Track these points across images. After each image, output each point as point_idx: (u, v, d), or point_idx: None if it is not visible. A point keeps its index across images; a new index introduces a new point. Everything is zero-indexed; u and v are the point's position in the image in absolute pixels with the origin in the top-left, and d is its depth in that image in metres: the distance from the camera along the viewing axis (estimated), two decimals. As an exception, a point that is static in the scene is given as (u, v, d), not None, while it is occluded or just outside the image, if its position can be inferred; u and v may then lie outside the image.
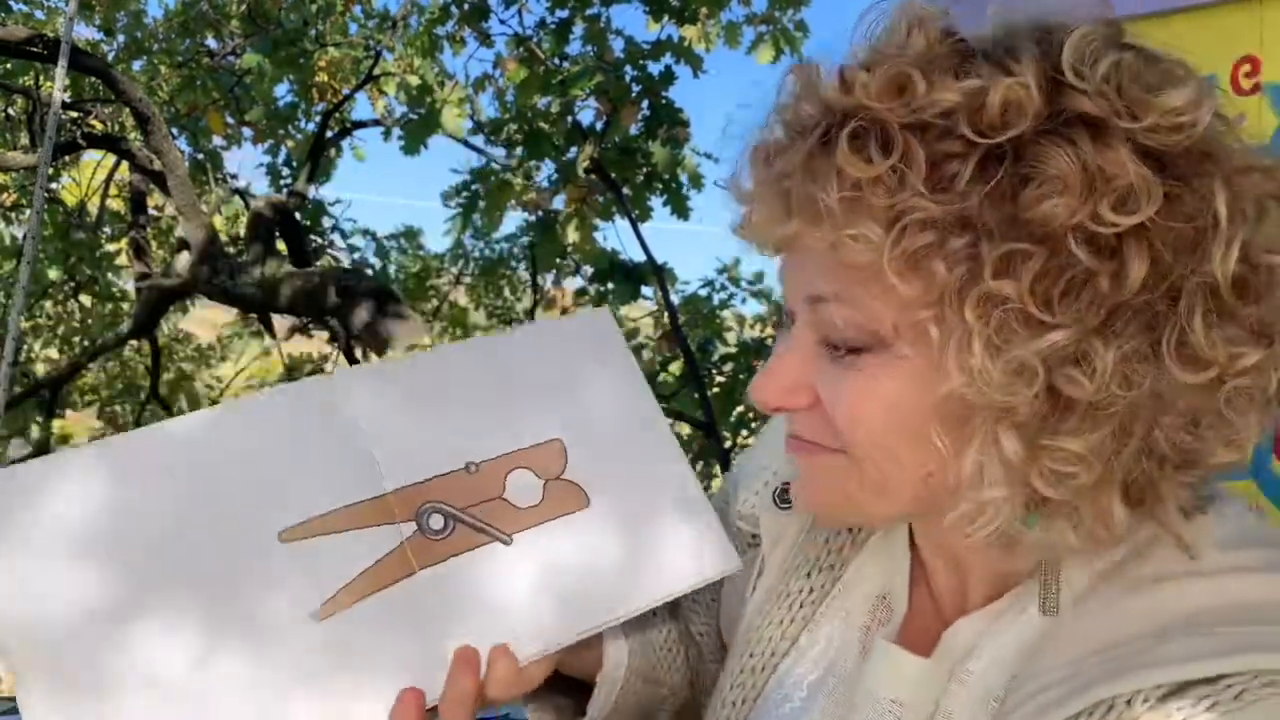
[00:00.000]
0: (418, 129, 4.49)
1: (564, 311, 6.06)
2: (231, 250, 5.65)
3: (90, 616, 0.62)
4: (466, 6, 4.52)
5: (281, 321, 6.59)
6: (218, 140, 6.04)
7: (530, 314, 6.92)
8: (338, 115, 5.88)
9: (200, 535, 0.66)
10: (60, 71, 2.32)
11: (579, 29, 4.34)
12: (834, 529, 0.78)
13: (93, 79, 5.17)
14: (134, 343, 6.95)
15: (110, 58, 5.69)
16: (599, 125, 4.37)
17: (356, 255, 6.93)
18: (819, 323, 0.61)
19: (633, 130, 4.27)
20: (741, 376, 5.21)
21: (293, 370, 7.24)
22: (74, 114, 5.42)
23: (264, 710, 0.64)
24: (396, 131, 5.20)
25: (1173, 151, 0.53)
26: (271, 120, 5.75)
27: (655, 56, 4.20)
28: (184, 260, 5.12)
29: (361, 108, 7.58)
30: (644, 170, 4.34)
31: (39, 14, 5.89)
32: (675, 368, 5.96)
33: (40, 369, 7.51)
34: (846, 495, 0.65)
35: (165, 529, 0.65)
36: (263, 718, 0.63)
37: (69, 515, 0.64)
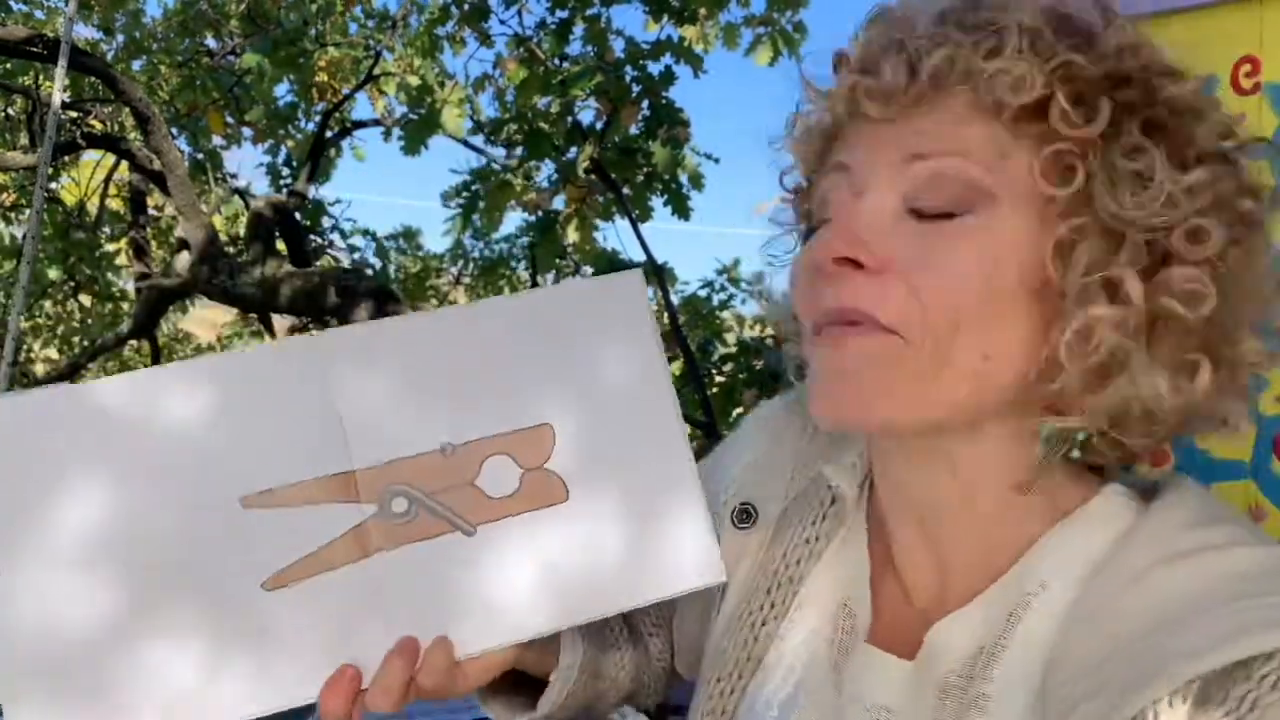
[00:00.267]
0: (418, 129, 4.49)
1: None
2: (231, 250, 5.65)
3: (51, 555, 0.63)
4: (467, 7, 4.51)
5: (281, 321, 6.58)
6: (218, 140, 6.03)
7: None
8: (338, 115, 5.88)
9: (166, 488, 0.65)
10: (60, 71, 2.32)
11: (579, 29, 4.34)
12: (791, 542, 0.78)
13: (92, 79, 5.16)
14: (134, 343, 6.96)
15: (110, 57, 5.69)
16: (599, 125, 4.36)
17: (356, 255, 6.93)
18: (917, 182, 0.63)
19: (633, 130, 4.26)
20: (741, 376, 5.20)
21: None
22: (74, 114, 5.41)
23: (200, 668, 0.64)
24: (396, 131, 5.19)
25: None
26: (271, 120, 5.74)
27: (655, 57, 4.19)
28: (184, 260, 5.12)
29: (361, 108, 7.58)
30: (644, 170, 4.33)
31: (39, 14, 5.89)
32: (675, 368, 5.95)
33: (40, 369, 7.51)
34: (889, 388, 0.62)
35: (132, 476, 0.65)
36: (198, 675, 0.64)
37: (40, 455, 0.64)
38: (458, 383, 0.70)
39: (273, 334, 6.90)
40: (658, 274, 4.65)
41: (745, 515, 0.81)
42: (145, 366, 0.86)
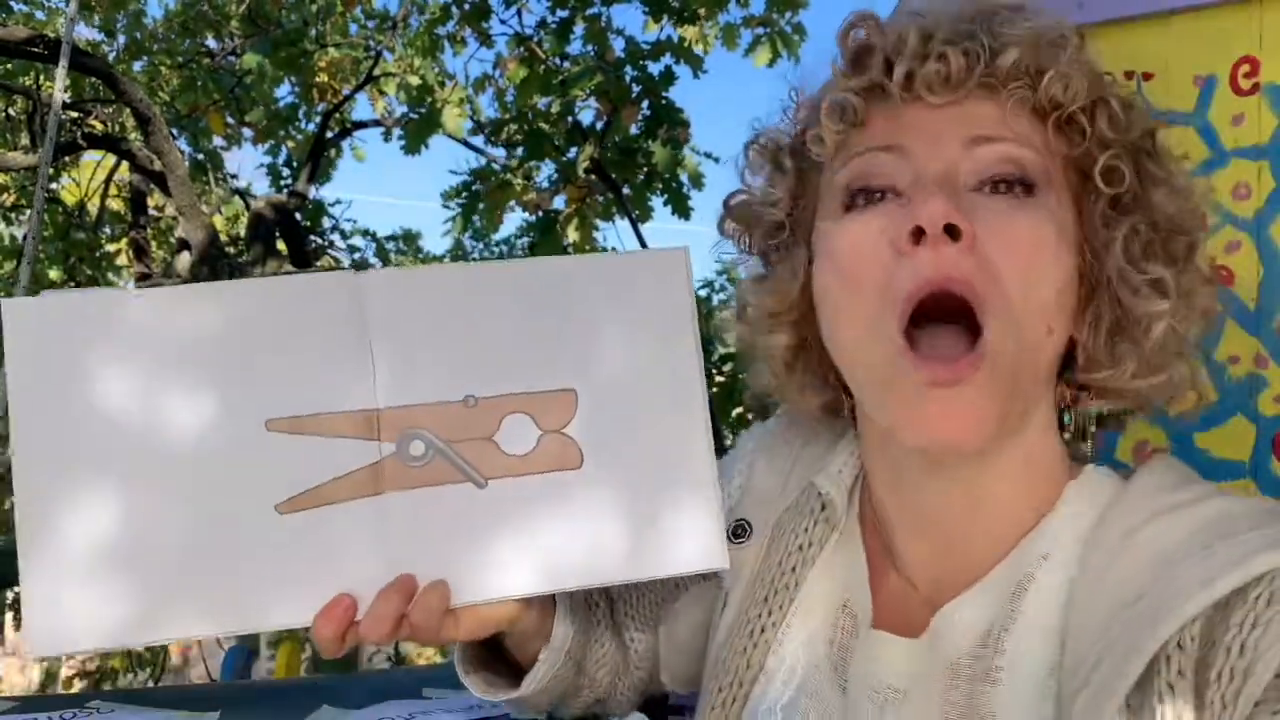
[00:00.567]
0: (418, 129, 4.49)
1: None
2: (232, 250, 5.65)
3: (72, 452, 0.66)
4: (467, 6, 4.52)
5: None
6: (218, 141, 6.03)
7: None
8: (338, 116, 5.88)
9: (194, 400, 0.67)
10: (60, 72, 2.32)
11: (579, 29, 4.33)
12: (785, 549, 0.79)
13: (93, 79, 5.16)
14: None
15: (110, 58, 5.69)
16: (599, 125, 4.36)
17: (356, 255, 6.93)
18: (987, 160, 0.66)
19: (633, 130, 4.26)
20: (741, 376, 5.22)
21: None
22: (74, 114, 5.41)
23: (203, 576, 0.66)
24: (397, 132, 5.20)
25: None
26: (272, 121, 5.74)
27: (655, 57, 4.19)
28: (184, 260, 5.11)
29: (362, 108, 7.58)
30: (644, 170, 4.33)
31: (39, 14, 5.89)
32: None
33: (40, 369, 7.49)
34: (996, 409, 0.64)
35: (161, 385, 0.67)
36: (198, 582, 0.66)
37: (71, 354, 0.67)
38: (490, 337, 0.71)
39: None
40: (658, 274, 4.63)
41: (740, 531, 0.84)
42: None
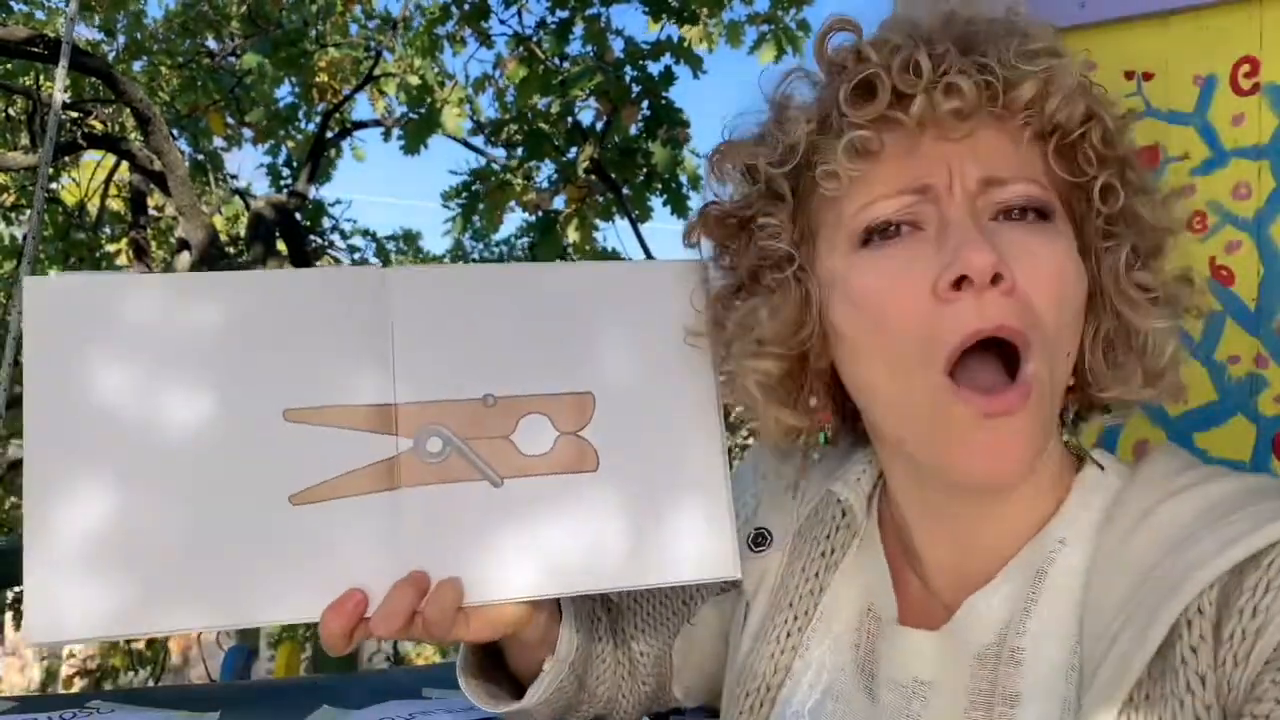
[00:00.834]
0: (418, 129, 4.49)
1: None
2: (232, 250, 5.65)
3: (88, 436, 0.65)
4: (467, 6, 4.52)
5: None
6: (218, 141, 6.03)
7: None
8: (338, 116, 5.88)
9: (214, 387, 0.67)
10: (61, 72, 2.32)
11: (579, 29, 4.33)
12: (808, 555, 0.80)
13: (93, 79, 5.16)
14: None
15: (111, 58, 5.69)
16: (599, 125, 4.37)
17: (356, 255, 6.93)
18: (1004, 198, 0.67)
19: (633, 130, 4.26)
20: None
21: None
22: (74, 114, 5.41)
23: (212, 566, 0.66)
24: (397, 132, 5.20)
25: None
26: (272, 121, 5.74)
27: (655, 57, 4.19)
28: (184, 260, 5.11)
29: (362, 108, 7.57)
30: (644, 170, 4.33)
31: (39, 14, 5.89)
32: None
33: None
34: (1038, 443, 0.66)
35: (180, 370, 0.67)
36: (207, 572, 0.66)
37: (111, 332, 0.67)
38: (510, 337, 0.72)
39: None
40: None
41: (760, 539, 0.83)
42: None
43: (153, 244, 6.45)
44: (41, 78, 5.21)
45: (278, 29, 5.29)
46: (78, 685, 7.39)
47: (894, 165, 0.67)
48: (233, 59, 5.80)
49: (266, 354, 0.68)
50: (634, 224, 4.42)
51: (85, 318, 0.66)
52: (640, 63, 4.20)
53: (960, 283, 0.63)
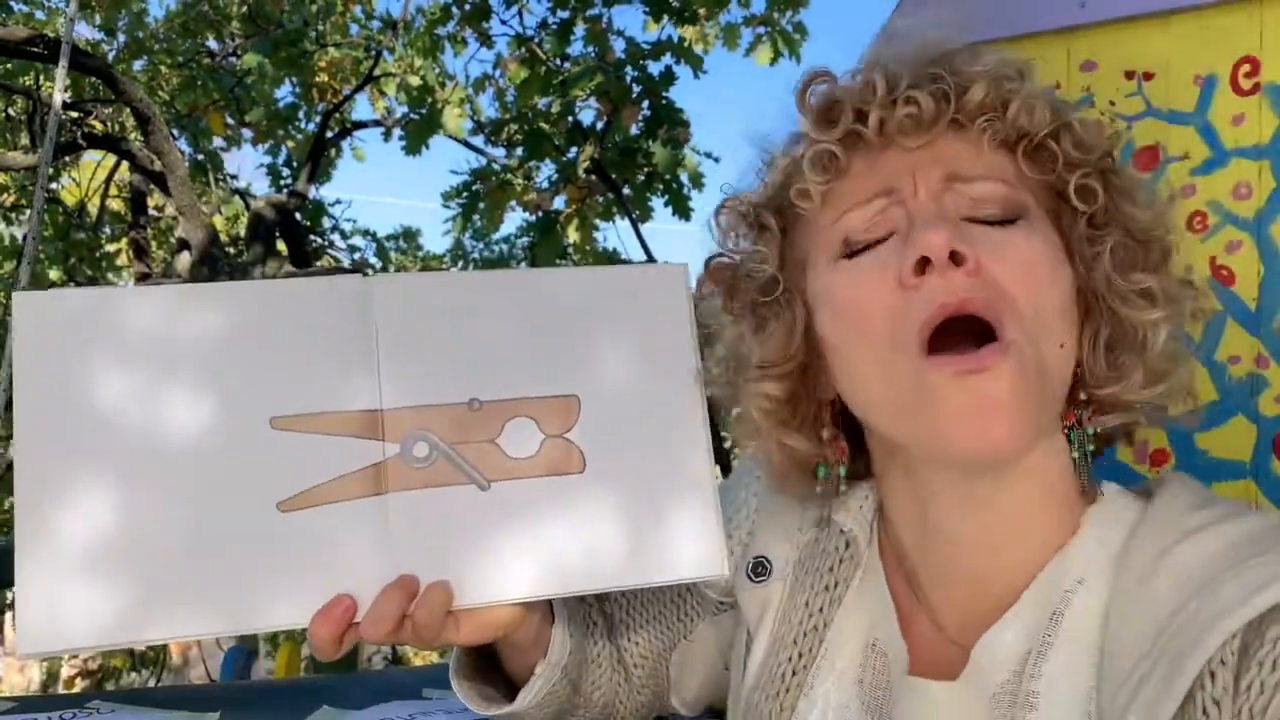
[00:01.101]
0: (418, 129, 4.49)
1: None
2: (232, 250, 5.65)
3: (78, 448, 0.66)
4: (468, 7, 4.52)
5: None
6: (218, 141, 6.03)
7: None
8: (338, 116, 5.88)
9: (201, 397, 0.68)
10: (61, 72, 2.32)
11: (580, 29, 4.33)
12: (811, 589, 0.79)
13: (93, 79, 5.16)
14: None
15: (111, 58, 5.69)
16: (599, 125, 4.37)
17: (357, 255, 6.93)
18: (968, 196, 0.69)
19: (633, 130, 4.26)
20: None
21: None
22: (74, 114, 5.41)
23: (200, 575, 0.66)
24: (397, 132, 5.20)
25: None
26: (272, 121, 5.74)
27: (655, 57, 4.19)
28: (184, 260, 5.11)
29: (362, 108, 7.58)
30: (644, 170, 4.33)
31: (39, 14, 5.89)
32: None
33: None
34: (1028, 409, 0.65)
35: (168, 381, 0.67)
36: (196, 580, 0.66)
37: (98, 345, 0.67)
38: (495, 342, 0.72)
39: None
40: (658, 274, 4.64)
41: (760, 568, 0.82)
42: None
43: (153, 244, 6.45)
44: (41, 78, 5.21)
45: (278, 29, 5.29)
46: (78, 686, 7.39)
47: (862, 179, 0.71)
48: (233, 59, 5.80)
49: (252, 363, 0.69)
50: (634, 224, 4.42)
51: (73, 331, 0.67)
52: (640, 63, 4.20)
53: (923, 266, 0.65)
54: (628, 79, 4.19)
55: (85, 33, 5.91)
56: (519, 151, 4.60)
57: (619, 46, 4.32)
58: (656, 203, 4.43)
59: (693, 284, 0.79)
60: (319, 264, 5.89)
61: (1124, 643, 0.62)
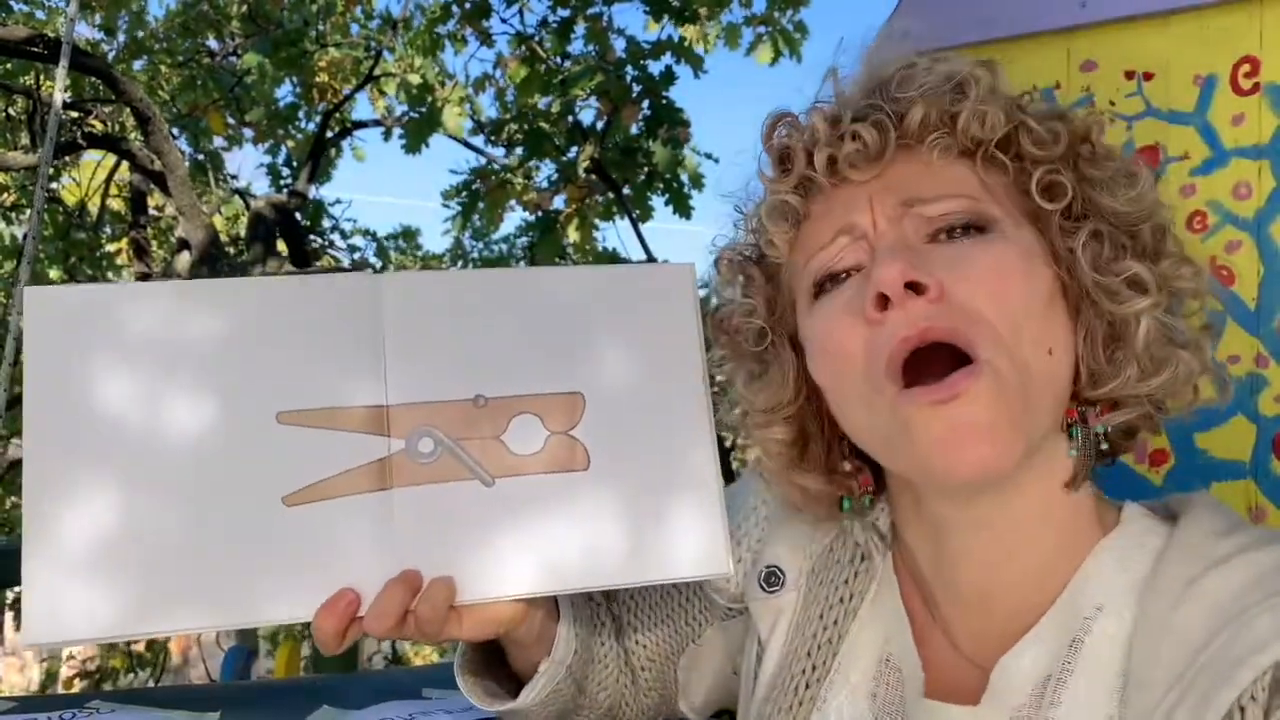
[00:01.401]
0: (418, 128, 4.49)
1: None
2: (232, 250, 5.65)
3: (85, 444, 0.66)
4: (468, 5, 4.51)
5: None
6: (219, 141, 6.03)
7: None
8: (338, 115, 5.87)
9: (207, 392, 0.68)
10: (61, 72, 2.32)
11: (580, 29, 4.33)
12: (826, 601, 0.78)
13: (93, 79, 5.16)
14: (134, 343, 6.92)
15: (111, 58, 5.69)
16: (599, 125, 4.36)
17: (356, 255, 6.93)
18: (921, 221, 0.68)
19: (633, 130, 4.26)
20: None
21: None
22: (74, 114, 5.41)
23: (205, 568, 0.66)
24: (397, 131, 5.20)
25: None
26: (272, 120, 5.74)
27: (656, 56, 4.19)
28: (184, 260, 5.11)
29: (362, 108, 7.57)
30: (644, 170, 4.33)
31: (39, 14, 5.89)
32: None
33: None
34: (1012, 423, 0.64)
35: (174, 377, 0.68)
36: (201, 573, 0.66)
37: (109, 340, 0.68)
38: (500, 340, 0.73)
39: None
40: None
41: (773, 578, 0.82)
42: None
43: (153, 244, 6.45)
44: (41, 77, 5.21)
45: (278, 29, 5.29)
46: (78, 686, 7.39)
47: (822, 220, 0.72)
48: (233, 59, 5.79)
49: (258, 358, 0.69)
50: (634, 224, 4.42)
51: (84, 327, 0.67)
52: (640, 62, 4.20)
53: (884, 302, 0.65)
54: (628, 78, 4.19)
55: (85, 32, 5.91)
56: (519, 151, 4.60)
57: (619, 46, 4.32)
58: (656, 202, 4.43)
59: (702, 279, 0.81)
60: (319, 264, 5.89)
61: (1151, 672, 0.61)
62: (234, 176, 6.73)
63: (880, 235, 0.68)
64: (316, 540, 0.68)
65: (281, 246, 5.42)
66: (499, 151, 5.03)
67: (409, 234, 7.57)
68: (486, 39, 4.71)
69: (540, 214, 4.60)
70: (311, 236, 6.18)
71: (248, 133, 6.01)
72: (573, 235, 4.64)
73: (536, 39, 4.41)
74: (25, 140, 5.51)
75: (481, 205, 4.64)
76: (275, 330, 0.70)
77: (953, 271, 0.65)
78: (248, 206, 6.11)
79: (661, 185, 4.35)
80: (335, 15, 5.57)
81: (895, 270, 0.64)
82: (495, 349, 0.72)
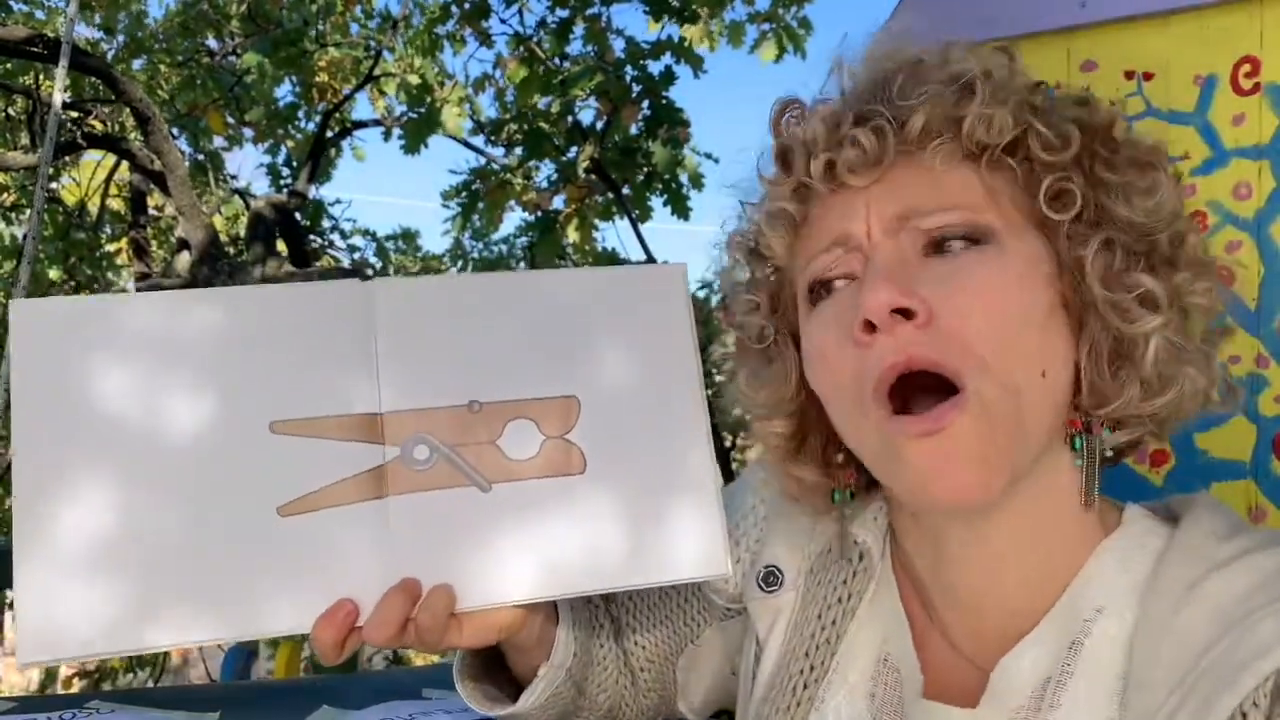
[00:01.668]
0: (418, 128, 4.49)
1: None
2: (231, 250, 5.65)
3: (78, 454, 0.66)
4: (467, 6, 4.51)
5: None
6: (218, 141, 6.03)
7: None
8: (338, 115, 5.88)
9: (200, 401, 0.67)
10: (60, 71, 2.32)
11: (579, 29, 4.33)
12: (824, 601, 0.78)
13: (93, 79, 5.16)
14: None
15: (110, 57, 5.68)
16: (599, 125, 4.36)
17: (356, 255, 6.93)
18: (917, 233, 0.66)
19: (633, 130, 4.26)
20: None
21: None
22: (74, 114, 5.41)
23: (201, 581, 0.66)
24: (397, 131, 5.20)
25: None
26: (272, 120, 5.74)
27: (655, 56, 4.19)
28: (184, 260, 5.11)
29: (361, 108, 7.57)
30: (644, 170, 4.33)
31: (39, 14, 5.89)
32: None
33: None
34: (1000, 454, 0.63)
35: (167, 387, 0.67)
36: (197, 586, 0.66)
37: (97, 352, 0.67)
38: (494, 345, 0.72)
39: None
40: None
41: (771, 578, 0.82)
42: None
43: (153, 244, 6.45)
44: (41, 77, 5.21)
45: (278, 28, 5.29)
46: (77, 686, 7.38)
47: (820, 224, 0.70)
48: (233, 58, 5.79)
49: (251, 368, 0.68)
50: (634, 224, 4.42)
51: (72, 338, 0.67)
52: (640, 62, 4.20)
53: (872, 326, 0.64)
54: (627, 78, 4.19)
55: (85, 32, 5.91)
56: (518, 151, 4.60)
57: (619, 46, 4.32)
58: (656, 202, 4.43)
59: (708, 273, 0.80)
60: (319, 264, 5.89)
61: (1152, 674, 0.61)
62: (234, 176, 6.74)
63: (875, 246, 0.67)
64: (313, 551, 0.67)
65: (281, 246, 5.42)
66: (499, 152, 5.04)
67: (409, 234, 7.58)
68: (486, 39, 4.71)
69: (540, 214, 4.60)
70: (311, 236, 6.18)
71: (247, 132, 6.02)
72: (572, 235, 4.64)
73: (535, 39, 4.41)
74: (25, 140, 5.51)
75: (481, 205, 4.64)
76: (266, 339, 0.69)
77: (944, 288, 0.64)
78: (247, 206, 6.11)
79: (661, 185, 4.35)
80: (335, 15, 5.57)
81: (882, 297, 0.63)
82: (488, 353, 0.72)
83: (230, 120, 5.89)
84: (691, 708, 0.93)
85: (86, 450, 0.66)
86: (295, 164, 5.97)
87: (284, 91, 5.71)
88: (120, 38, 5.94)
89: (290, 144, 6.05)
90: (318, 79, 5.56)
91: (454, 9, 4.67)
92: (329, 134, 5.78)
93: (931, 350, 0.63)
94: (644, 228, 4.42)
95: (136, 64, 5.98)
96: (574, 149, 4.33)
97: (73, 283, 6.84)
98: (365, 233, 7.05)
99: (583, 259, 5.11)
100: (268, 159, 6.00)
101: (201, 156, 6.08)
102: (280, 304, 0.70)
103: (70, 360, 0.66)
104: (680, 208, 4.37)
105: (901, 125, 0.67)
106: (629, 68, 4.21)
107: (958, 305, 0.63)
